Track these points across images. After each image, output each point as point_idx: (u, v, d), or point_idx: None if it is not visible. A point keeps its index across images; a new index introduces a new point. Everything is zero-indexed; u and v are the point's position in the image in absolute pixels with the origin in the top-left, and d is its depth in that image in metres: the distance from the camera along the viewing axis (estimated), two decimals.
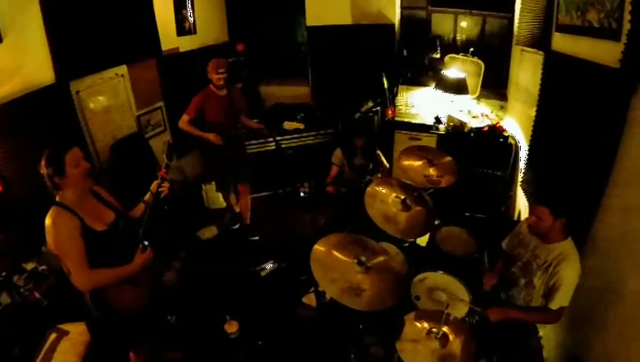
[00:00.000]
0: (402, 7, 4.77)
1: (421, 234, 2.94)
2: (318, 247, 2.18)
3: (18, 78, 2.79)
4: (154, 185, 2.27)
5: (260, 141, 4.66)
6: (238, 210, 4.46)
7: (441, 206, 2.96)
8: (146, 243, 2.08)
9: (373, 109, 4.58)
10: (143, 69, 4.17)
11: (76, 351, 2.15)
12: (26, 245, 2.65)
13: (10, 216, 2.62)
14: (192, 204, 4.63)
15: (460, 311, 2.33)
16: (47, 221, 1.83)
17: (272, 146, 4.61)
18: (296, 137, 4.74)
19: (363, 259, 2.12)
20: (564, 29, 2.78)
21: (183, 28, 4.65)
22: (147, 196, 2.28)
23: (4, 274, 2.35)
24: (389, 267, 2.23)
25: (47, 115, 3.02)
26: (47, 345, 2.15)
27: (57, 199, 1.89)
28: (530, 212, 2.15)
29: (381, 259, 2.23)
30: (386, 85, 3.62)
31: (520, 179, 3.75)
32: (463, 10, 4.58)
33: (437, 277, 2.62)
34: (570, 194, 2.14)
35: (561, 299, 2.08)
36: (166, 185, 2.28)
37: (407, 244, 3.14)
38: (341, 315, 2.63)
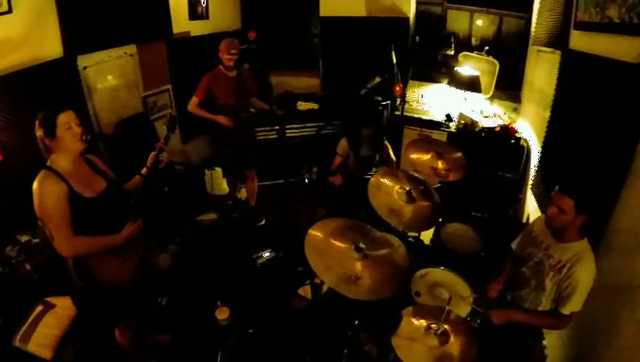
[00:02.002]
0: (418, 2, 4.69)
1: (425, 228, 2.85)
2: (313, 232, 2.08)
3: (26, 49, 2.75)
4: (151, 157, 2.22)
5: (265, 129, 4.60)
6: (241, 196, 4.40)
7: (447, 204, 2.87)
8: (137, 216, 2.02)
9: (383, 103, 4.49)
10: (152, 50, 4.13)
11: (60, 324, 2.11)
12: (24, 217, 2.59)
13: (10, 187, 2.57)
14: (194, 188, 4.57)
15: (462, 310, 2.23)
16: (35, 184, 1.80)
17: (274, 135, 4.55)
18: (303, 127, 4.64)
19: (361, 245, 2.02)
20: (583, 26, 2.71)
21: (195, 12, 4.60)
22: (144, 170, 2.23)
23: None
24: (389, 256, 2.14)
25: (52, 88, 2.97)
26: (32, 317, 2.11)
27: (48, 163, 1.86)
28: (552, 202, 2.00)
29: (381, 247, 2.14)
30: (394, 60, 3.49)
31: (531, 182, 3.63)
32: (479, 8, 4.48)
33: (439, 274, 2.52)
34: (586, 193, 2.02)
35: (574, 304, 1.96)
36: (165, 155, 2.22)
37: (411, 239, 3.05)
38: (337, 310, 2.58)
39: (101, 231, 1.93)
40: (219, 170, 4.70)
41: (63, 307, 2.17)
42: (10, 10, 2.55)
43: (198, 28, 4.70)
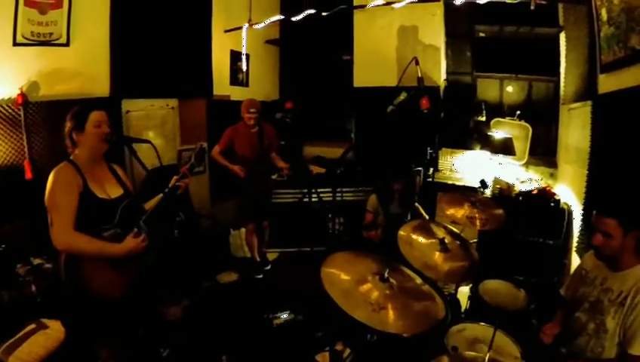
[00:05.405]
0: (448, 73, 4.85)
1: (462, 281, 2.58)
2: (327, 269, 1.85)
3: (75, 82, 3.00)
4: (173, 181, 2.20)
5: (294, 191, 4.53)
6: (258, 258, 4.33)
7: (486, 262, 2.62)
8: (144, 227, 1.93)
9: (416, 168, 4.42)
10: (193, 106, 4.39)
11: (47, 345, 2.00)
12: (43, 242, 2.58)
13: (35, 206, 2.58)
14: (217, 246, 4.50)
15: None
16: (52, 173, 1.80)
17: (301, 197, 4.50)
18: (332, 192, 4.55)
19: (388, 276, 1.80)
20: (609, 67, 2.72)
21: (236, 78, 4.97)
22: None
23: (3, 246, 2.25)
24: (418, 294, 1.89)
25: None
26: (22, 333, 1.99)
27: (70, 158, 1.89)
28: (594, 229, 1.79)
29: (409, 281, 1.92)
30: (419, 74, 3.48)
31: (575, 245, 3.33)
32: (508, 75, 4.58)
33: (479, 329, 2.19)
34: (630, 208, 1.76)
35: None
36: (186, 181, 2.19)
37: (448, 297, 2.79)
38: None
39: (104, 237, 1.85)
40: (244, 231, 4.63)
41: (55, 329, 2.06)
42: (67, 44, 2.81)
43: (238, 93, 5.01)
